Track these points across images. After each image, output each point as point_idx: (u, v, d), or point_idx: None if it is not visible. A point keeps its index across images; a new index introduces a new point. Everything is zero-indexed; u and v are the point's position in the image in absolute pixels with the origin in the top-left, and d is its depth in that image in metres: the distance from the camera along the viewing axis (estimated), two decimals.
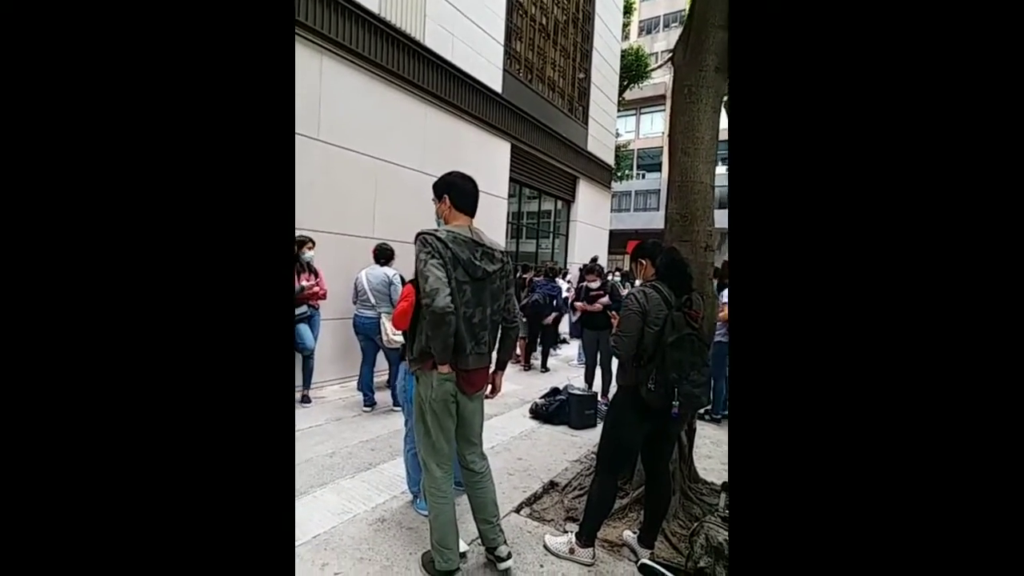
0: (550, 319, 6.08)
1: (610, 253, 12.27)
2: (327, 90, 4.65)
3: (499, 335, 1.98)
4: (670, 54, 2.85)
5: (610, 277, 6.29)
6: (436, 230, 1.77)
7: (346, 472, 2.89)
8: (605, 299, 4.57)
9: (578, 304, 4.66)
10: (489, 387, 2.03)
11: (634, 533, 2.24)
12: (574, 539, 2.14)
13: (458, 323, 1.73)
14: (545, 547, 2.20)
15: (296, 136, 4.38)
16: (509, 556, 2.00)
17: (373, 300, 3.95)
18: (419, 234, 1.74)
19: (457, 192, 1.86)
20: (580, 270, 6.45)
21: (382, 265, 4.04)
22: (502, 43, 7.17)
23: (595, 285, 4.76)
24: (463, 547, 2.01)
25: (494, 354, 1.98)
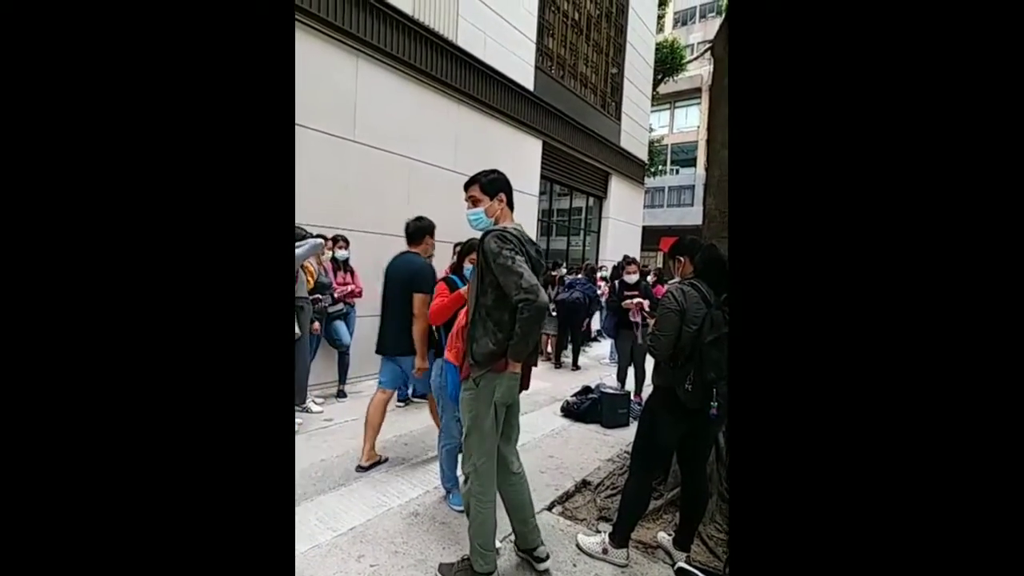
0: (588, 324, 5.99)
1: (643, 250, 12.05)
2: (362, 92, 4.74)
3: None
4: (706, 46, 2.78)
5: (648, 278, 6.18)
6: (506, 228, 1.74)
7: (381, 466, 2.94)
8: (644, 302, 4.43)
9: (627, 303, 4.51)
10: None
11: (669, 535, 2.20)
12: (607, 539, 2.12)
13: None
14: (578, 546, 2.18)
15: (334, 138, 4.48)
16: (547, 557, 2.00)
17: None
18: (492, 232, 1.70)
19: (510, 191, 1.87)
20: (614, 267, 6.36)
21: None
22: (534, 40, 7.14)
23: (632, 279, 4.67)
24: (497, 544, 2.02)
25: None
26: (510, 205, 1.87)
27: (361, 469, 2.86)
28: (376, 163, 4.92)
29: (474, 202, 1.85)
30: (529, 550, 2.02)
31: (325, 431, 3.46)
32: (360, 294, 4.32)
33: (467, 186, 1.88)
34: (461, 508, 2.46)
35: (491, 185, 1.84)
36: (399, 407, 4.11)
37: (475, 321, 1.75)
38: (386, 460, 3.01)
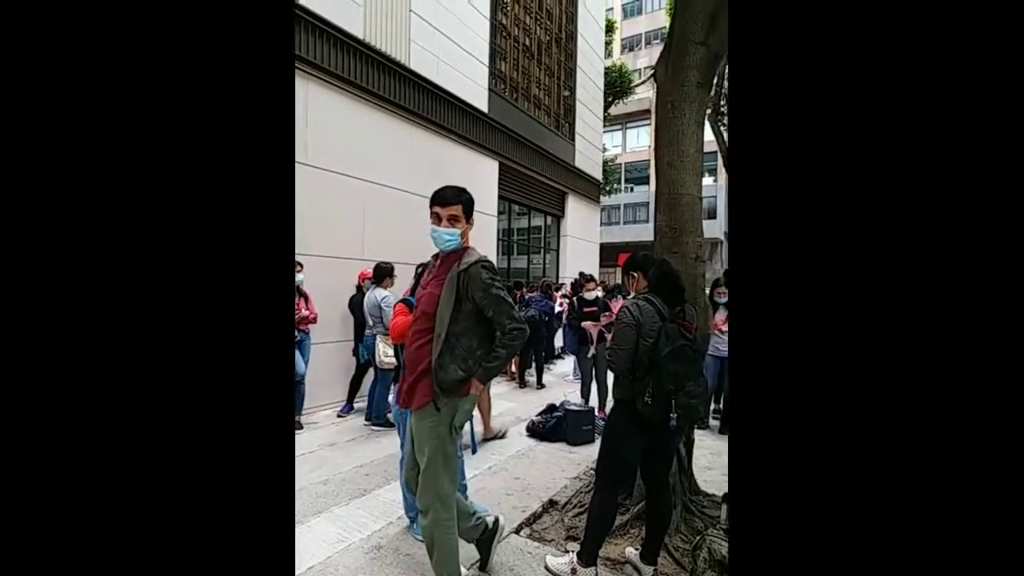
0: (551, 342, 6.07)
1: (601, 266, 12.30)
2: (314, 115, 4.67)
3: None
4: (653, 70, 2.91)
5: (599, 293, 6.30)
6: (487, 257, 1.78)
7: (340, 499, 2.82)
8: (608, 317, 4.49)
9: (585, 324, 4.57)
10: None
11: (636, 549, 2.20)
12: (575, 558, 2.09)
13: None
14: (546, 568, 2.15)
15: None
16: (496, 517, 2.13)
17: (370, 322, 4.03)
18: (479, 262, 1.72)
19: (469, 206, 1.83)
20: (572, 284, 6.46)
21: (375, 285, 4.05)
22: (486, 64, 7.27)
23: (591, 296, 4.73)
24: (463, 572, 1.96)
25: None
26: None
27: (484, 440, 3.87)
28: (329, 186, 4.84)
29: (453, 221, 1.76)
30: (485, 532, 2.07)
31: None
32: (315, 320, 4.18)
33: (447, 203, 1.76)
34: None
35: (469, 207, 1.81)
36: (361, 432, 3.98)
37: (443, 349, 1.70)
38: (504, 435, 4.01)
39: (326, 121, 4.80)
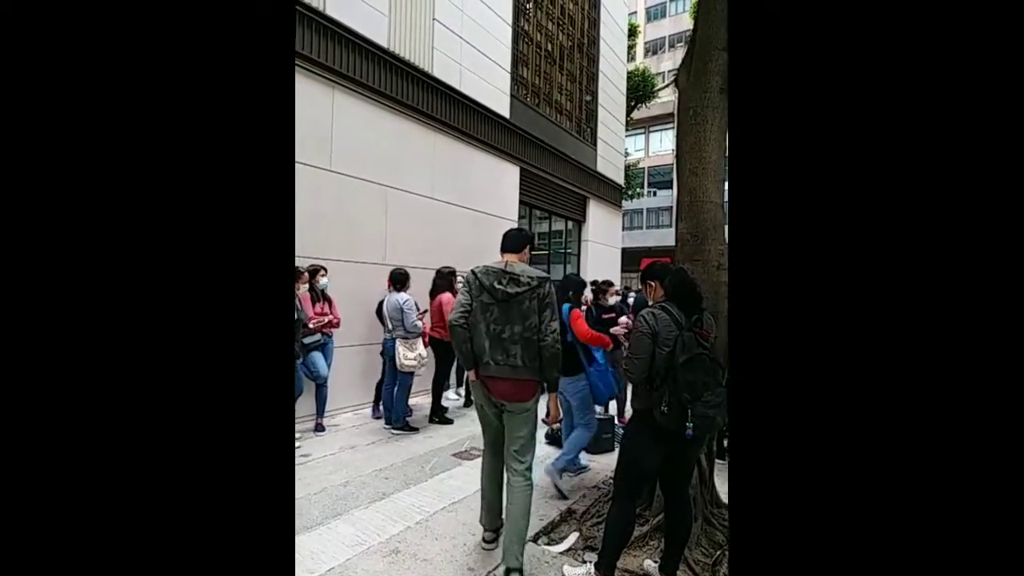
0: None
1: (623, 271, 12.19)
2: (339, 122, 4.77)
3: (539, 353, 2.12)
4: (675, 75, 2.88)
5: (619, 297, 6.22)
6: (476, 267, 2.17)
7: (360, 502, 2.86)
8: (624, 322, 4.44)
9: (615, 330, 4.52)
10: (547, 409, 2.31)
11: (655, 562, 2.17)
12: (593, 569, 2.08)
13: (478, 336, 2.09)
14: None
15: (309, 168, 4.49)
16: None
17: (390, 325, 4.11)
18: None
19: (503, 240, 2.31)
20: (593, 290, 6.41)
21: (396, 290, 4.13)
22: (508, 70, 7.31)
23: (611, 302, 4.68)
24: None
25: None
26: (502, 249, 2.25)
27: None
28: (353, 192, 4.93)
29: None
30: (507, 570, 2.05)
31: (303, 467, 3.36)
32: (338, 324, 4.25)
33: None
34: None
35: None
36: (384, 432, 4.02)
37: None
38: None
39: (351, 128, 4.90)
